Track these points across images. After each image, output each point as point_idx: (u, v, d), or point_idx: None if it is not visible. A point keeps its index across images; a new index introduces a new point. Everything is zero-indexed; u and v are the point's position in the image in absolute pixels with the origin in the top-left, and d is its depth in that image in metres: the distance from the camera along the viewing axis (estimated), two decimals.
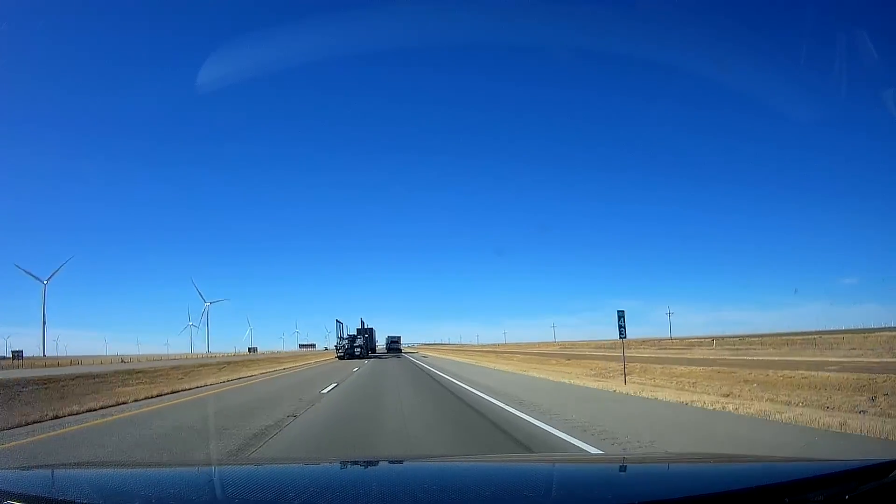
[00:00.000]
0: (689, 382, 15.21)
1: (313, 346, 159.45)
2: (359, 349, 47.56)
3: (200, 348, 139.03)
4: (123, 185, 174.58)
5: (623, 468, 2.40)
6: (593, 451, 5.76)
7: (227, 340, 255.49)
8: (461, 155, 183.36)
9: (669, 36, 62.34)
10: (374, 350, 59.35)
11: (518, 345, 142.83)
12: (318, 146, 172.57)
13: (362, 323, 55.55)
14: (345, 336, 50.22)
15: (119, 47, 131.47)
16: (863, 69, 39.39)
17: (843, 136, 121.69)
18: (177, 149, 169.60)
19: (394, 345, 71.85)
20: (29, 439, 7.21)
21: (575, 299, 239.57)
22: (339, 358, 45.60)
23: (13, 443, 6.95)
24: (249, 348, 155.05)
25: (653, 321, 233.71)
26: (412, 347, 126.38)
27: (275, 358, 56.10)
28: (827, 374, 15.99)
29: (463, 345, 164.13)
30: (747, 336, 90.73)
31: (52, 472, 2.27)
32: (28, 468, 2.91)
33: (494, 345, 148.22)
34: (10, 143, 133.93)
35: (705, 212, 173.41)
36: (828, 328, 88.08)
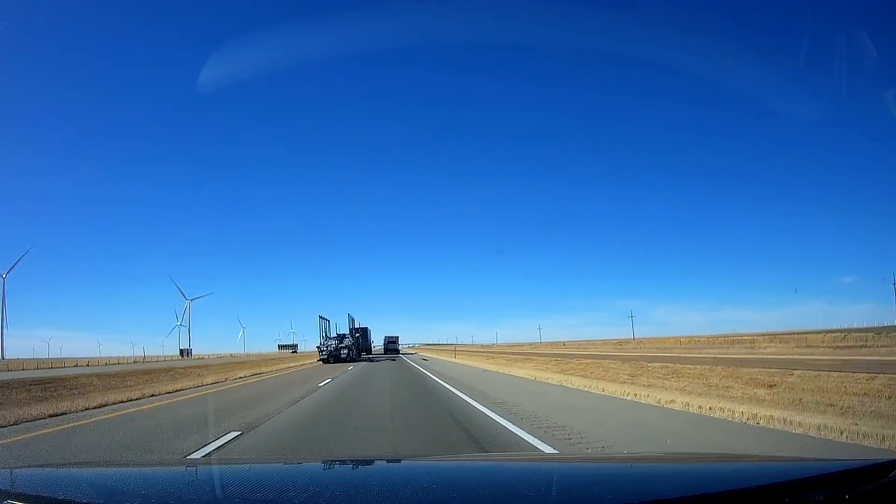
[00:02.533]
0: None
1: (295, 346, 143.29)
2: (346, 351, 39.98)
3: (197, 350, 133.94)
4: (121, 186, 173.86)
5: (623, 468, 2.40)
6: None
7: (223, 342, 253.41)
8: (461, 154, 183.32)
9: (669, 36, 62.47)
10: (369, 351, 54.46)
11: (513, 345, 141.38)
12: (317, 146, 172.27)
13: (351, 320, 47.71)
14: (331, 335, 43.04)
15: (119, 47, 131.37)
16: (863, 69, 39.50)
17: (843, 136, 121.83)
18: (175, 149, 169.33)
19: (391, 345, 71.73)
20: None
21: (574, 298, 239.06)
22: (323, 361, 38.58)
23: None
24: (182, 350, 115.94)
25: (652, 320, 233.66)
26: (412, 348, 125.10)
27: (228, 363, 42.12)
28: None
29: (467, 345, 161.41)
30: (748, 335, 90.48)
31: (52, 471, 2.28)
32: (28, 468, 2.91)
33: (500, 346, 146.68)
34: (9, 143, 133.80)
35: (705, 211, 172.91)
36: (828, 327, 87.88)
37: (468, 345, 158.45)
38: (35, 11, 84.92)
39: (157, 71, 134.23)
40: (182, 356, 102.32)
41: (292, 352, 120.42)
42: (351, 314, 48.53)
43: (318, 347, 42.53)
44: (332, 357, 38.95)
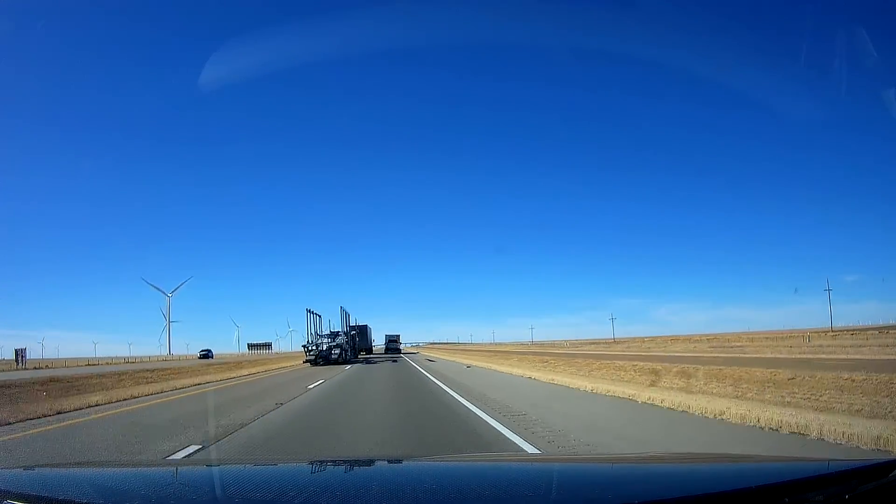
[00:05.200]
0: None
1: (269, 345, 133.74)
2: (338, 351, 34.39)
3: (193, 349, 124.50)
4: (119, 185, 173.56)
5: (623, 468, 2.40)
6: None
7: (221, 342, 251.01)
8: (461, 153, 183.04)
9: (669, 36, 62.46)
10: (369, 351, 51.27)
11: (531, 344, 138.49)
12: (317, 145, 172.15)
13: (345, 315, 41.53)
14: (322, 333, 37.38)
15: (120, 46, 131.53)
16: (863, 69, 39.26)
17: (843, 136, 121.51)
18: (175, 148, 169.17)
19: (392, 344, 71.57)
20: None
21: (575, 298, 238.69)
22: (311, 363, 33.58)
23: None
24: (17, 351, 60.36)
25: (654, 319, 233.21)
26: (415, 347, 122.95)
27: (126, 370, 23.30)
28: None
29: (486, 343, 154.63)
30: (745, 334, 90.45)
31: (52, 471, 2.28)
32: (28, 468, 2.91)
33: (506, 344, 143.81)
34: (9, 142, 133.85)
35: (706, 210, 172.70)
36: (828, 326, 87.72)
37: (486, 343, 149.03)
38: (36, 12, 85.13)
39: (156, 70, 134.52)
40: (17, 362, 64.54)
41: (202, 355, 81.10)
42: (344, 308, 42.49)
43: (304, 346, 36.81)
44: (320, 358, 33.78)
